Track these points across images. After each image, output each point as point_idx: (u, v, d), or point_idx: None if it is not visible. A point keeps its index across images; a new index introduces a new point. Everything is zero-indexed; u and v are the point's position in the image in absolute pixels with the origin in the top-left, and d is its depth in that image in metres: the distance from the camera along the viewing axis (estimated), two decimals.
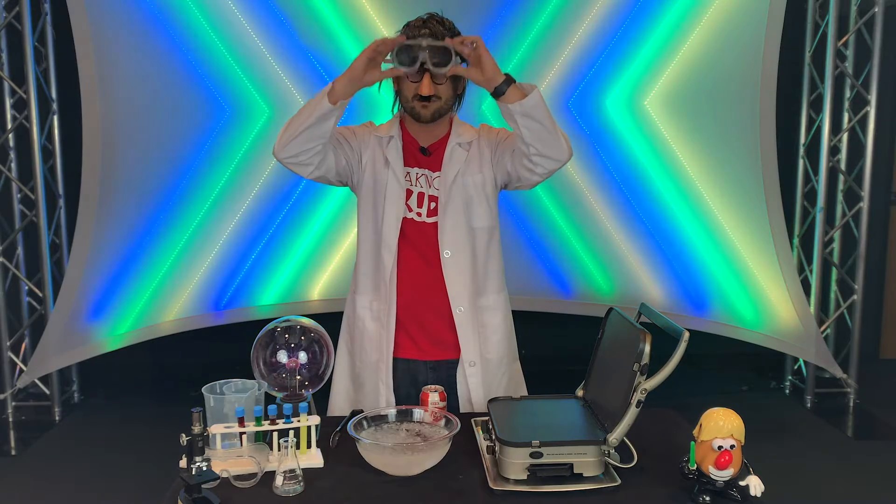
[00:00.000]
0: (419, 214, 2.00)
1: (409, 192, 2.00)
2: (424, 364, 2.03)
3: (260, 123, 3.86)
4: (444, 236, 1.98)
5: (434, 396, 1.78)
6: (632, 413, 1.47)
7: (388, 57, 1.85)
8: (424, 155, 2.02)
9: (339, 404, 2.10)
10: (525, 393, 2.11)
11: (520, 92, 1.84)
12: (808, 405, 4.18)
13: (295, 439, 1.60)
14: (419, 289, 2.01)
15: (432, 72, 1.86)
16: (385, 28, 3.77)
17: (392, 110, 2.07)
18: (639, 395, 1.46)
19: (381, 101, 2.17)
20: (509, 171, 2.00)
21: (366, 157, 2.02)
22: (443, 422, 1.65)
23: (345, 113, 1.89)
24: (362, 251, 2.05)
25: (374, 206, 2.02)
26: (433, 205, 2.00)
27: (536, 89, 1.84)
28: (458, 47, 1.84)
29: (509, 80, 1.84)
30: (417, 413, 1.69)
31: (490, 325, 2.06)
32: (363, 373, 2.06)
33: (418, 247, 2.00)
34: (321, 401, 1.87)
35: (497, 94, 1.84)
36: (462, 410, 2.02)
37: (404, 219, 1.99)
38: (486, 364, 2.04)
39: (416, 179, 2.01)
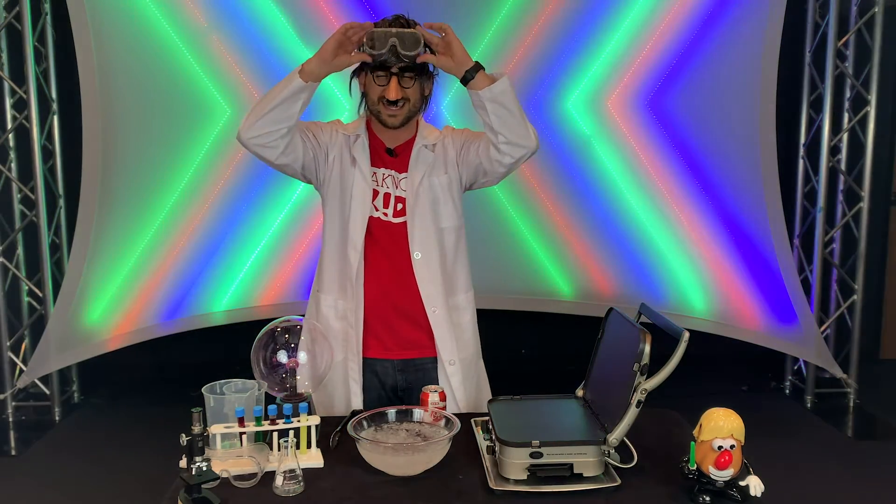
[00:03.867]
0: (385, 214, 2.01)
1: (375, 193, 2.00)
2: (392, 363, 2.04)
3: None
4: (413, 238, 1.99)
5: (434, 396, 1.78)
6: (632, 413, 1.47)
7: (360, 50, 1.87)
8: (390, 156, 2.03)
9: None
10: (488, 390, 2.14)
11: (489, 78, 1.87)
12: (808, 405, 4.18)
13: (295, 439, 1.60)
14: (386, 288, 2.01)
15: (402, 56, 1.85)
16: None
17: (358, 111, 2.07)
18: (639, 395, 1.46)
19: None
20: (476, 165, 2.02)
21: (332, 154, 2.02)
22: (443, 422, 1.65)
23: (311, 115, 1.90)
24: (327, 250, 2.06)
25: (340, 205, 2.02)
26: (399, 206, 2.00)
27: (506, 76, 1.88)
28: (426, 35, 1.85)
29: (478, 67, 1.88)
30: (417, 413, 1.69)
31: (461, 325, 2.07)
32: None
33: (384, 246, 2.01)
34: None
35: (466, 80, 1.87)
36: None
37: (370, 218, 1.99)
38: (461, 363, 2.05)
39: (383, 180, 2.01)
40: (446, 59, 1.86)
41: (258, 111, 1.87)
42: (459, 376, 2.04)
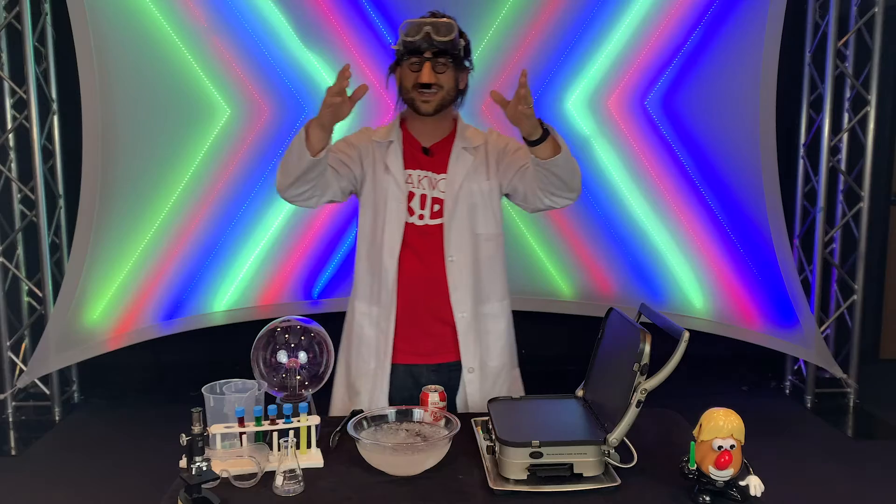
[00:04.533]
0: (421, 217, 1.99)
1: (410, 195, 1.99)
2: (426, 367, 2.03)
3: (262, 123, 3.85)
4: (449, 241, 1.98)
5: (434, 396, 1.78)
6: (632, 413, 1.47)
7: (393, 44, 1.92)
8: (426, 155, 2.02)
9: (337, 408, 2.09)
10: None
11: (553, 145, 1.81)
12: (808, 405, 4.18)
13: (295, 439, 1.60)
14: (420, 293, 2.00)
15: (436, 42, 1.87)
16: (385, 29, 3.78)
17: (396, 108, 2.07)
18: (639, 395, 1.46)
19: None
20: (515, 187, 2.02)
21: (366, 165, 2.02)
22: (443, 422, 1.65)
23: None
24: (361, 256, 2.05)
25: (374, 212, 2.01)
26: (437, 207, 1.98)
27: (566, 148, 1.83)
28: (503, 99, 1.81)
29: (545, 134, 1.81)
30: (417, 413, 1.69)
31: (493, 332, 2.05)
32: (358, 381, 2.04)
33: (419, 251, 1.99)
34: (321, 400, 1.87)
35: (531, 142, 1.82)
36: (459, 411, 2.02)
37: (406, 223, 1.98)
38: (487, 370, 2.03)
39: (419, 181, 2.00)
40: (524, 110, 1.75)
41: (285, 176, 1.88)
42: (477, 384, 2.01)
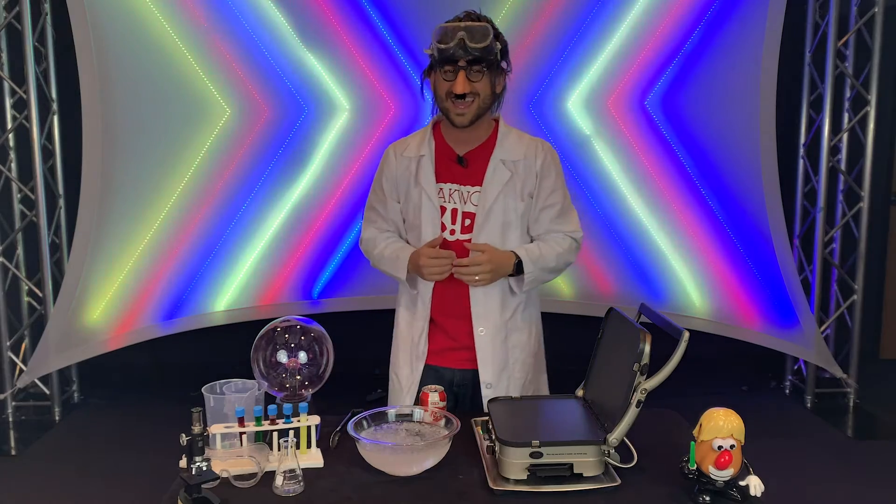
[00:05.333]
0: (452, 232, 1.97)
1: (441, 209, 1.96)
2: (451, 370, 2.04)
3: (262, 124, 3.86)
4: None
5: (434, 396, 1.78)
6: (632, 413, 1.47)
7: (428, 48, 1.88)
8: (461, 165, 1.96)
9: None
10: None
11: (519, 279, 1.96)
12: (808, 405, 4.18)
13: (295, 439, 1.60)
14: (449, 305, 2.01)
15: (470, 49, 1.81)
16: (385, 29, 3.77)
17: (430, 114, 2.03)
18: (639, 395, 1.46)
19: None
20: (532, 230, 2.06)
21: (401, 188, 2.01)
22: (443, 422, 1.65)
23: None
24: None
25: (412, 229, 2.01)
26: (468, 221, 1.96)
27: (525, 276, 1.94)
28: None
29: (517, 267, 1.93)
30: (417, 413, 1.69)
31: (518, 346, 2.04)
32: (399, 375, 2.09)
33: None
34: (322, 400, 1.87)
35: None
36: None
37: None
38: (512, 382, 2.03)
39: (450, 195, 1.96)
40: (480, 281, 1.91)
41: (376, 264, 2.08)
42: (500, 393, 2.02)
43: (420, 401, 1.80)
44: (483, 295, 1.98)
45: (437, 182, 1.96)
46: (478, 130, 1.96)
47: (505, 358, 2.02)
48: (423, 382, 2.02)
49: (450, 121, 1.92)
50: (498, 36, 1.88)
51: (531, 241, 2.03)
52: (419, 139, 2.01)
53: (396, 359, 2.11)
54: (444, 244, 1.97)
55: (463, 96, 1.85)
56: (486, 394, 1.99)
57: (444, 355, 2.04)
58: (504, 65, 1.93)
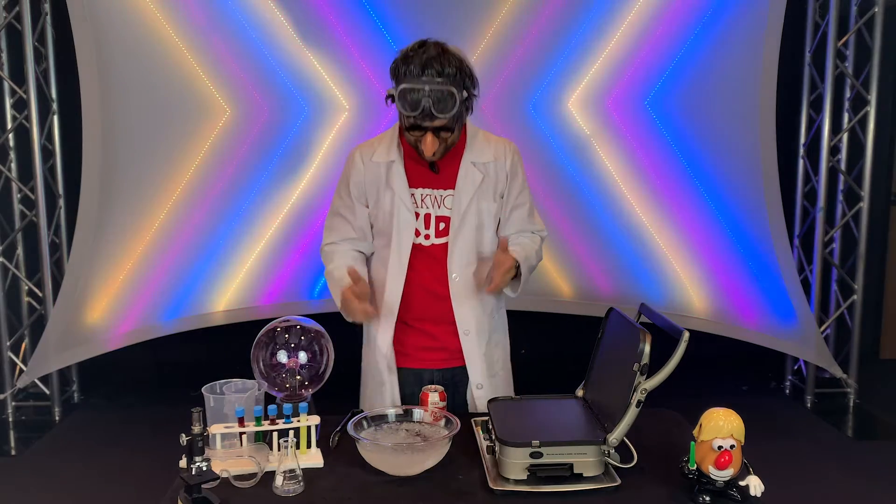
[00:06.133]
0: (427, 237, 1.95)
1: (415, 215, 1.95)
2: (430, 371, 2.03)
3: (262, 124, 3.86)
4: (452, 260, 1.95)
5: (434, 396, 1.78)
6: (632, 413, 1.47)
7: (392, 101, 1.80)
8: (433, 171, 1.94)
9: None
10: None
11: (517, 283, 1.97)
12: (808, 405, 4.18)
13: (295, 439, 1.60)
14: (426, 308, 1.99)
15: (437, 117, 1.74)
16: (385, 29, 3.77)
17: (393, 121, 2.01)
18: (639, 395, 1.46)
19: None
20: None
21: (370, 191, 1.97)
22: (443, 422, 1.65)
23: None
24: (371, 270, 2.05)
25: (380, 233, 1.99)
26: (442, 225, 1.95)
27: (520, 280, 1.96)
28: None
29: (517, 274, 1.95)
30: (417, 413, 1.69)
31: (498, 344, 2.07)
32: (373, 380, 2.07)
33: (423, 269, 1.97)
34: (321, 401, 1.87)
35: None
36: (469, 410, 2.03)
37: (413, 244, 1.95)
38: (495, 380, 2.04)
39: (422, 200, 1.95)
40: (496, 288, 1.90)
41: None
42: (484, 396, 2.01)
43: (420, 401, 1.80)
44: (465, 297, 1.97)
45: (410, 187, 1.93)
46: None
47: (491, 357, 2.03)
48: (402, 386, 2.02)
49: (418, 153, 1.88)
50: (465, 84, 1.79)
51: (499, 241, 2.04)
52: (386, 144, 1.97)
53: (368, 366, 2.09)
54: (419, 249, 1.95)
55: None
56: (478, 395, 2.00)
57: (419, 356, 2.02)
58: (474, 92, 1.85)
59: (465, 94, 1.80)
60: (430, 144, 1.81)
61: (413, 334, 2.01)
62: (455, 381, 2.03)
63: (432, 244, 1.96)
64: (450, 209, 1.94)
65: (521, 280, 1.96)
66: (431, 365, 2.02)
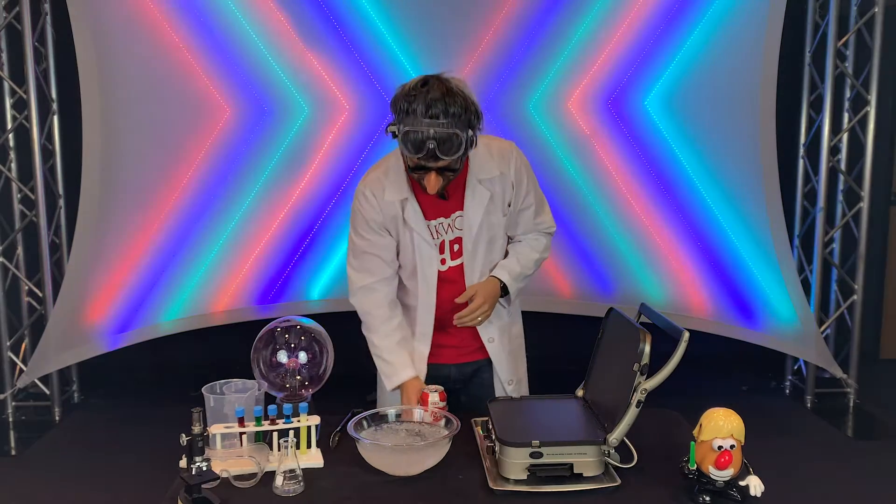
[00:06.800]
0: (443, 262, 1.97)
1: (436, 247, 1.96)
2: (448, 366, 2.06)
3: (262, 123, 3.86)
4: (471, 278, 1.97)
5: (434, 396, 1.78)
6: (632, 413, 1.47)
7: (392, 133, 1.75)
8: (442, 199, 1.93)
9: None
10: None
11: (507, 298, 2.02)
12: (808, 405, 4.18)
13: (295, 439, 1.60)
14: (449, 321, 1.99)
15: (441, 158, 1.70)
16: (386, 29, 3.77)
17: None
18: (639, 395, 1.46)
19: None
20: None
21: (391, 228, 1.95)
22: (443, 422, 1.65)
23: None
24: (399, 294, 2.05)
25: (407, 263, 1.98)
26: (456, 247, 1.97)
27: (510, 294, 2.00)
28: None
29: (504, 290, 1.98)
30: (417, 413, 1.69)
31: (520, 347, 2.15)
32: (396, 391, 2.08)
33: (445, 293, 1.98)
34: (321, 401, 1.87)
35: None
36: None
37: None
38: (520, 381, 2.11)
39: (436, 230, 1.95)
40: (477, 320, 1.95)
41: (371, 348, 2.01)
42: (514, 389, 2.09)
43: (420, 401, 1.80)
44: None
45: (426, 219, 1.93)
46: None
47: (514, 352, 2.10)
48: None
49: (421, 187, 1.85)
50: (470, 122, 1.74)
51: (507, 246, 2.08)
52: (393, 179, 1.92)
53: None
54: (440, 275, 1.97)
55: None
56: (509, 390, 2.05)
57: (441, 353, 2.05)
58: (475, 137, 1.78)
59: (469, 132, 1.74)
60: (433, 183, 1.77)
61: (435, 338, 2.04)
62: (472, 372, 2.08)
63: (449, 267, 1.98)
64: (460, 229, 1.95)
65: (511, 296, 2.02)
66: (451, 360, 2.06)
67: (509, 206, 1.97)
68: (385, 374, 1.95)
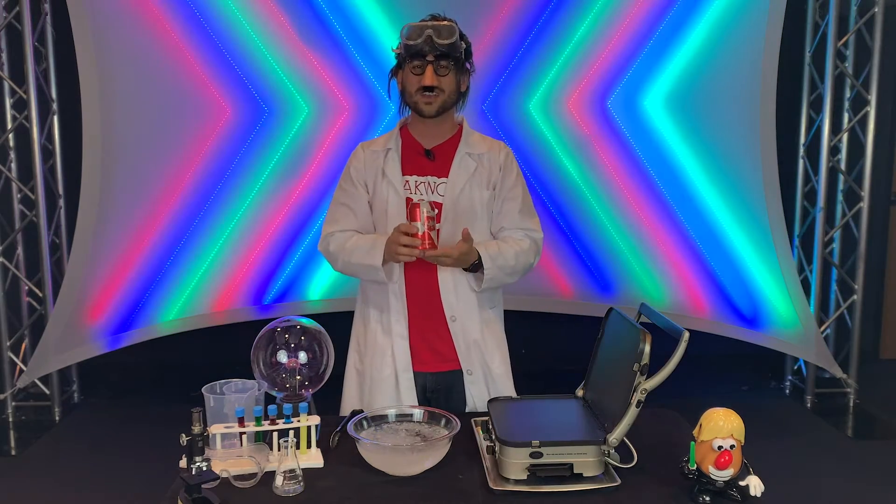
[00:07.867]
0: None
1: (408, 201, 1.98)
2: (424, 375, 2.04)
3: (262, 123, 3.86)
4: (443, 245, 1.95)
5: (425, 206, 1.82)
6: (632, 413, 1.47)
7: (395, 47, 1.97)
8: (429, 158, 2.00)
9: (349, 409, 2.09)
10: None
11: (478, 278, 1.97)
12: (808, 405, 4.18)
13: (295, 439, 1.60)
14: (421, 299, 2.00)
15: (437, 45, 1.90)
16: (386, 29, 3.78)
17: (399, 112, 2.07)
18: (639, 395, 1.46)
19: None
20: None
21: (369, 181, 2.03)
22: (443, 422, 1.65)
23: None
24: (371, 294, 2.06)
25: (377, 220, 2.02)
26: (435, 211, 1.96)
27: (485, 275, 1.95)
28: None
29: (476, 265, 1.95)
30: (417, 413, 1.69)
31: (491, 339, 2.06)
32: (374, 389, 2.04)
33: (417, 276, 1.99)
34: (322, 400, 1.87)
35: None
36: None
37: None
38: (491, 375, 2.04)
39: (416, 187, 1.99)
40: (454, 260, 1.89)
41: (342, 267, 2.03)
42: (480, 386, 2.03)
43: (410, 215, 1.84)
44: (452, 284, 2.00)
45: (404, 175, 2.00)
46: (444, 126, 2.02)
47: (481, 349, 2.03)
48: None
49: (418, 112, 1.98)
50: (463, 36, 1.97)
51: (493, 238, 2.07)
52: (387, 136, 2.08)
53: (364, 371, 2.07)
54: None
55: (431, 89, 1.93)
56: (469, 380, 2.01)
57: (419, 360, 2.03)
58: (468, 65, 2.02)
59: (463, 44, 1.95)
60: (430, 75, 1.91)
61: (414, 335, 2.02)
62: (448, 384, 2.04)
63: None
64: (443, 196, 1.98)
65: (485, 272, 1.96)
66: (428, 368, 2.03)
67: (494, 188, 2.02)
68: (365, 250, 1.95)
